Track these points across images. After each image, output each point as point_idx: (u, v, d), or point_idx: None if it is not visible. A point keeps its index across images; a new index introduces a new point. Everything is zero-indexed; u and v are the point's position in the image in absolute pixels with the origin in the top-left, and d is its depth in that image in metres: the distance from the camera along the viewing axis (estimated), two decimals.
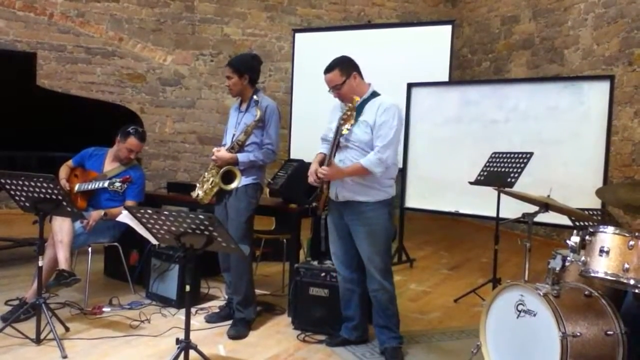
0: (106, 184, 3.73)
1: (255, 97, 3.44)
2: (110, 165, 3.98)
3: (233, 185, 3.39)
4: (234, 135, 3.48)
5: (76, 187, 3.87)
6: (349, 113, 2.88)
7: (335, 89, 3.07)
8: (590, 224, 3.10)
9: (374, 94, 3.13)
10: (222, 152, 3.41)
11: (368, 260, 3.10)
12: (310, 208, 3.28)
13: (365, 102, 3.07)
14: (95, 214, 3.74)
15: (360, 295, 3.26)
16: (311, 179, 3.09)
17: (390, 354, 3.11)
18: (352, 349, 3.25)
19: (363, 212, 3.05)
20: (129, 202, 3.81)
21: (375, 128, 3.01)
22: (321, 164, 3.09)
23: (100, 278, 4.46)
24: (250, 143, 3.44)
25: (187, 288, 2.67)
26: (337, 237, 3.22)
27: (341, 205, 3.12)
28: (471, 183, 4.28)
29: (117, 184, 3.69)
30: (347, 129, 2.90)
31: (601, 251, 2.54)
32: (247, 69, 3.45)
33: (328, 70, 3.08)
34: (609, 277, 2.52)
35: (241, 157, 3.40)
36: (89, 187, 3.84)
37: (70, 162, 4.03)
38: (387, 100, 3.07)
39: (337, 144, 3.01)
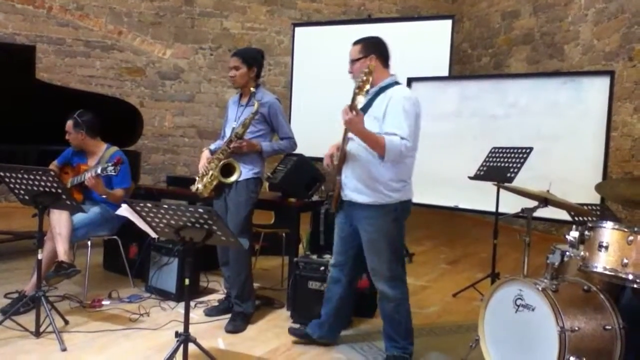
0: (99, 171, 3.67)
1: (252, 89, 3.44)
2: (92, 161, 3.93)
3: (232, 178, 3.38)
4: (233, 128, 3.47)
5: (69, 182, 3.85)
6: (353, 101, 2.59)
7: (350, 62, 2.94)
8: (590, 219, 3.11)
9: (390, 86, 2.89)
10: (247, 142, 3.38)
11: (370, 269, 2.92)
12: (311, 202, 3.19)
13: (378, 93, 2.86)
14: (93, 180, 3.62)
15: (340, 299, 3.11)
16: (327, 161, 2.97)
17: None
18: (351, 344, 3.26)
19: (364, 217, 2.85)
20: (119, 191, 3.80)
21: (384, 119, 2.76)
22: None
23: (99, 271, 4.46)
24: (261, 135, 3.47)
25: (187, 281, 2.67)
26: (338, 235, 3.09)
27: (347, 205, 2.94)
28: (471, 178, 4.28)
29: (110, 168, 3.63)
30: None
31: (600, 246, 2.54)
32: (255, 62, 3.48)
33: (354, 42, 2.97)
34: (607, 272, 2.53)
35: (265, 146, 3.45)
36: (82, 178, 3.81)
37: (55, 162, 4.01)
38: (400, 92, 2.82)
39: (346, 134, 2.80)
